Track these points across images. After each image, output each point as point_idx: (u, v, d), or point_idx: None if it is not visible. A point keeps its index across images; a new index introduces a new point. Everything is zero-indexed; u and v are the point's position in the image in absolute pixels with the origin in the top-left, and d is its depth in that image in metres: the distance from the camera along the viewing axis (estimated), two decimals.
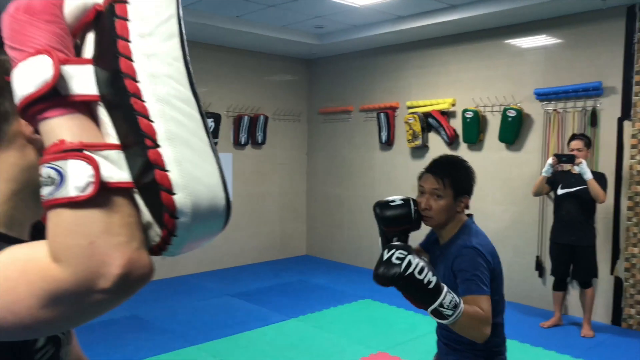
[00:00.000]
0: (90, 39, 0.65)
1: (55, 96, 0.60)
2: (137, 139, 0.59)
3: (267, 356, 4.15)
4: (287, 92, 7.63)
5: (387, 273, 1.55)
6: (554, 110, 5.26)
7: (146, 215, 0.60)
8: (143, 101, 0.59)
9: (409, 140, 6.37)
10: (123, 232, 0.57)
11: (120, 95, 0.60)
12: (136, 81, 0.60)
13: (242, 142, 7.00)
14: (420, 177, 2.01)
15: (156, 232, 0.60)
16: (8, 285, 0.56)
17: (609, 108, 4.93)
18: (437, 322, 1.94)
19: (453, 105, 6.05)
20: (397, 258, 1.55)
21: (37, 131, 0.64)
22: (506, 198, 5.61)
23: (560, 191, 4.67)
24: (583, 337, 4.61)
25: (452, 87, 6.10)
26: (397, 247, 1.59)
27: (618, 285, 4.92)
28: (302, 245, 7.95)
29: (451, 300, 1.57)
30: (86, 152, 0.58)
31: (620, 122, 4.88)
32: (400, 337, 4.51)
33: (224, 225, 0.64)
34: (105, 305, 0.58)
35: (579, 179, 4.53)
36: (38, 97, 0.59)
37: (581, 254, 4.62)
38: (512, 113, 5.42)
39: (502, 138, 5.54)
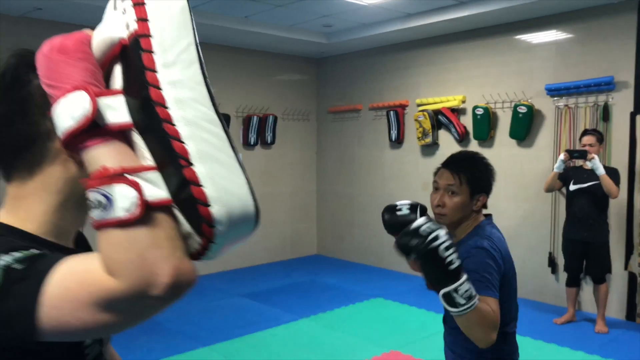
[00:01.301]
0: (117, 70, 0.71)
1: (94, 127, 0.67)
2: (171, 159, 0.66)
3: (279, 356, 4.15)
4: (296, 92, 7.63)
5: (409, 241, 1.46)
6: (566, 105, 5.22)
7: (185, 226, 0.67)
8: (174, 125, 0.66)
9: (419, 138, 6.34)
10: (168, 244, 0.65)
11: (152, 121, 0.67)
12: (166, 107, 0.66)
13: (252, 143, 7.01)
14: (435, 173, 1.91)
15: (196, 240, 0.68)
16: (71, 295, 0.64)
17: (621, 103, 4.88)
18: (445, 328, 1.89)
19: (463, 102, 6.02)
20: (425, 230, 1.44)
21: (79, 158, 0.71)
22: (518, 195, 5.57)
23: (572, 187, 4.63)
24: (597, 333, 4.57)
25: (462, 84, 6.07)
26: (428, 220, 1.49)
27: (632, 280, 4.87)
28: (312, 244, 7.95)
29: (467, 290, 1.46)
30: (128, 177, 0.65)
31: (632, 116, 4.83)
32: (412, 336, 4.49)
33: (255, 228, 0.72)
34: (156, 309, 0.66)
35: (591, 174, 4.49)
36: (80, 130, 0.66)
37: (594, 250, 4.58)
38: (523, 109, 5.38)
39: (513, 134, 5.51)
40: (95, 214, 0.65)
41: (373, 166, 7.12)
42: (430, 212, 2.08)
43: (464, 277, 1.46)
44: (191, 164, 0.65)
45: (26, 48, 0.87)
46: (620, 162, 4.82)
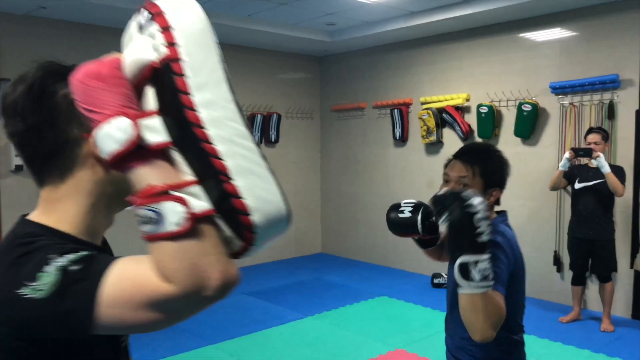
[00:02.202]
0: (148, 91, 0.75)
1: (137, 148, 0.72)
2: (211, 174, 0.72)
3: (284, 354, 4.16)
4: (299, 90, 7.63)
5: (449, 200, 1.42)
6: (570, 103, 5.20)
7: (227, 231, 0.75)
8: (211, 144, 0.72)
9: (423, 136, 6.34)
10: (214, 251, 0.72)
11: (190, 140, 0.72)
12: (202, 128, 0.72)
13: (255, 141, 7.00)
14: (446, 165, 1.81)
15: (236, 244, 0.76)
16: (127, 296, 0.72)
17: (627, 100, 4.87)
18: (448, 334, 1.81)
19: (467, 100, 6.01)
20: (467, 195, 1.41)
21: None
22: (523, 193, 5.56)
23: (577, 185, 4.62)
24: (603, 331, 4.56)
25: (466, 82, 6.06)
26: (476, 194, 1.44)
27: (638, 279, 4.85)
28: (317, 243, 7.95)
29: (486, 269, 1.39)
30: (174, 193, 0.71)
31: (638, 114, 4.81)
32: (418, 334, 4.49)
33: (288, 227, 0.80)
34: (204, 307, 0.74)
35: (596, 172, 4.48)
36: (125, 153, 0.72)
37: (600, 248, 4.57)
38: (527, 107, 5.37)
39: (517, 133, 5.49)
40: (146, 229, 0.71)
41: (377, 165, 7.11)
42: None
43: (488, 255, 1.40)
44: (231, 179, 0.72)
45: (50, 60, 0.92)
46: (625, 160, 4.81)
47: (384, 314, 5.11)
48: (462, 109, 6.07)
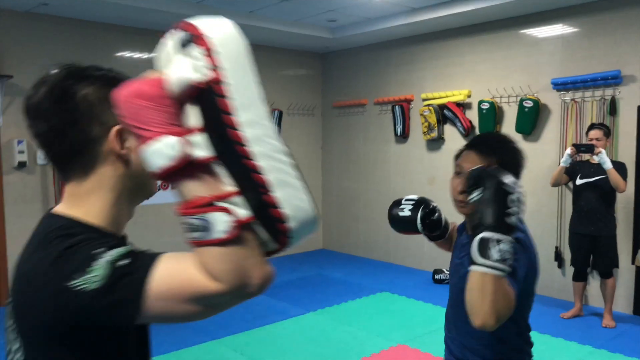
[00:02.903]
0: (190, 108, 0.80)
1: (184, 164, 0.78)
2: (252, 187, 0.80)
3: (288, 349, 4.18)
4: (301, 87, 7.63)
5: (488, 175, 1.36)
6: (572, 100, 5.21)
7: (264, 234, 0.83)
8: (253, 161, 0.79)
9: (424, 132, 6.34)
10: (254, 253, 0.80)
11: (233, 157, 0.79)
12: (244, 146, 0.79)
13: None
14: (458, 156, 1.69)
15: (272, 245, 0.85)
16: (174, 291, 0.79)
17: (628, 96, 4.87)
18: (452, 334, 1.74)
19: (469, 96, 6.01)
20: (508, 177, 1.36)
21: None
22: (524, 189, 5.56)
23: (579, 181, 4.63)
24: (604, 327, 4.58)
25: (467, 79, 6.06)
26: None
27: (639, 275, 4.86)
28: (318, 239, 7.96)
29: (506, 252, 1.30)
30: (220, 204, 0.78)
31: None
32: (420, 330, 4.51)
33: (316, 229, 0.89)
34: (244, 301, 0.82)
35: (598, 168, 4.49)
36: (175, 169, 0.78)
37: (602, 244, 4.58)
38: (528, 104, 5.37)
39: (519, 129, 5.50)
40: (194, 236, 0.78)
41: (378, 161, 7.12)
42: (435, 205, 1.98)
43: (511, 239, 1.32)
44: (270, 191, 0.80)
45: (69, 62, 0.96)
46: (627, 156, 4.82)
47: (385, 310, 5.13)
48: (463, 105, 6.07)
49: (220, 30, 0.81)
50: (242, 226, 0.78)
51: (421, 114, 6.32)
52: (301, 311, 5.02)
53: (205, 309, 0.81)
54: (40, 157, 5.44)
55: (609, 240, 4.59)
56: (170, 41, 0.83)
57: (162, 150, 0.77)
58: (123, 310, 0.79)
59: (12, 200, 5.33)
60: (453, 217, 1.90)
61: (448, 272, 1.93)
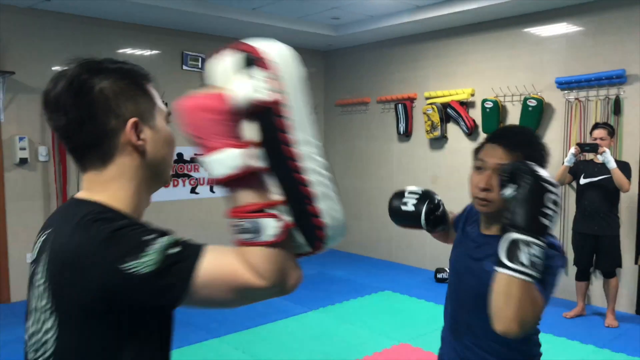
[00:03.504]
0: (248, 124, 0.89)
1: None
2: (298, 197, 0.90)
3: (290, 348, 4.16)
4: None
5: (527, 170, 1.28)
6: (576, 99, 5.19)
7: (300, 239, 0.94)
8: (302, 175, 0.90)
9: (427, 131, 6.33)
10: (292, 256, 0.92)
11: (285, 170, 0.89)
12: (296, 162, 0.89)
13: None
14: (480, 149, 1.57)
15: (306, 249, 0.96)
16: (219, 282, 0.87)
17: (633, 96, 4.85)
18: (459, 343, 1.61)
19: (472, 95, 5.99)
20: (548, 176, 1.29)
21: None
22: None
23: (582, 181, 4.61)
24: (607, 327, 4.57)
25: (471, 77, 6.04)
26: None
27: None
28: None
29: (537, 257, 1.22)
30: (269, 211, 0.87)
31: None
32: (422, 329, 4.50)
33: (345, 235, 0.99)
34: (275, 297, 0.92)
35: (602, 168, 4.47)
36: (235, 177, 0.86)
37: (605, 243, 4.56)
38: (532, 103, 5.35)
39: None
40: (244, 237, 0.87)
41: (381, 159, 7.10)
42: (442, 199, 1.89)
43: (544, 242, 1.23)
44: (314, 203, 0.90)
45: (86, 57, 1.00)
46: (631, 155, 4.80)
47: (388, 308, 5.12)
48: (466, 104, 6.06)
49: (282, 55, 0.90)
50: (286, 231, 0.88)
51: (424, 113, 6.31)
52: (303, 309, 5.01)
53: (242, 300, 0.90)
54: (42, 153, 5.43)
55: (612, 240, 4.58)
56: (230, 60, 0.90)
57: (224, 161, 0.86)
58: (170, 295, 0.86)
59: (13, 197, 5.31)
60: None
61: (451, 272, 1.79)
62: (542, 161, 1.50)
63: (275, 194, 0.91)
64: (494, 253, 1.29)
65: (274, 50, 0.90)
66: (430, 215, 1.83)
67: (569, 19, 5.26)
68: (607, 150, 4.39)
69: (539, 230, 1.23)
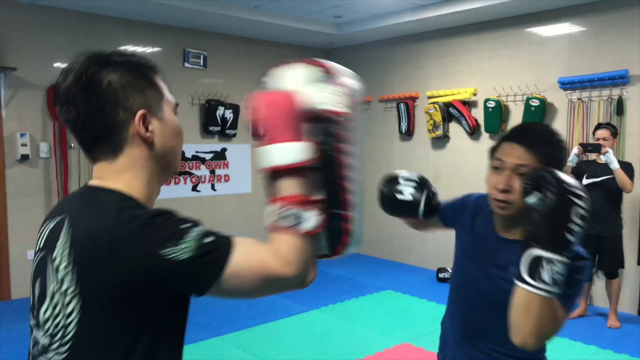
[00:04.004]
0: (311, 126, 0.97)
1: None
2: (338, 202, 0.99)
3: (291, 347, 4.15)
4: None
5: (552, 181, 1.21)
6: (579, 99, 5.18)
7: (323, 241, 1.01)
8: (346, 182, 0.99)
9: (429, 130, 6.31)
10: (315, 253, 0.99)
11: (333, 175, 0.98)
12: (344, 169, 0.98)
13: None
14: (497, 148, 1.49)
15: (324, 252, 1.03)
16: (249, 272, 0.92)
17: (636, 96, 4.85)
18: (481, 337, 1.55)
19: (474, 94, 5.98)
20: (576, 184, 1.22)
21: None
22: None
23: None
24: (609, 327, 4.56)
25: (473, 77, 6.03)
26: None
27: None
28: None
29: (560, 274, 1.19)
30: (312, 205, 0.95)
31: None
32: (424, 328, 4.49)
33: (360, 245, 1.07)
34: (291, 291, 0.98)
35: (604, 168, 4.46)
36: (290, 168, 0.94)
37: (607, 244, 4.55)
38: (535, 102, 5.34)
39: None
40: (286, 223, 0.93)
41: (383, 158, 7.09)
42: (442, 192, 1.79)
43: (567, 260, 1.20)
44: (349, 210, 0.99)
45: (94, 51, 1.02)
46: (634, 156, 4.79)
47: (389, 308, 5.11)
48: (469, 104, 6.05)
49: (351, 79, 1.02)
50: (323, 227, 0.96)
51: (426, 112, 6.29)
52: (305, 308, 5.00)
53: (266, 289, 0.95)
54: (43, 150, 5.41)
55: (614, 241, 4.57)
56: (303, 71, 1.00)
57: (286, 152, 0.94)
58: (202, 282, 0.91)
59: (14, 194, 5.30)
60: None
61: (458, 273, 1.69)
62: (563, 160, 1.44)
63: (317, 192, 0.99)
64: (516, 261, 1.26)
65: (345, 73, 1.02)
66: (429, 204, 1.71)
67: (572, 19, 5.25)
68: (610, 150, 4.38)
69: (563, 246, 1.19)
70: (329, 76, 0.99)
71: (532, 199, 1.25)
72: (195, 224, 0.92)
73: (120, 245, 0.88)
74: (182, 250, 0.88)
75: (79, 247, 0.92)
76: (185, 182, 6.45)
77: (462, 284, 1.62)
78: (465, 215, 1.67)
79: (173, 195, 6.24)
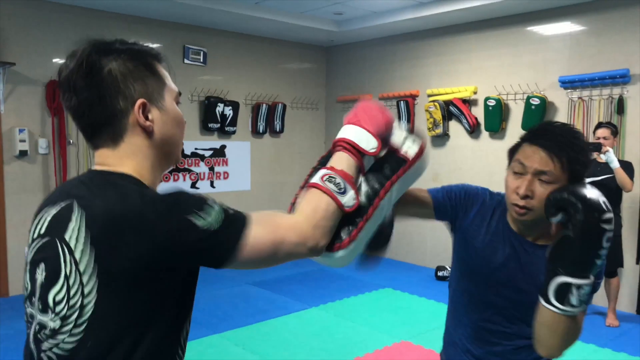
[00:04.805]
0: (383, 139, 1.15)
1: (360, 152, 1.11)
2: (363, 210, 1.08)
3: (290, 344, 4.15)
4: (305, 80, 7.58)
5: (581, 206, 1.16)
6: (579, 98, 5.18)
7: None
8: (378, 202, 1.10)
9: (429, 128, 6.31)
10: (334, 230, 1.05)
11: (374, 190, 1.11)
12: (385, 192, 1.12)
13: (260, 131, 6.98)
14: (516, 149, 1.42)
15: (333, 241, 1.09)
16: (265, 241, 0.97)
17: (637, 96, 4.84)
18: (492, 335, 1.51)
19: (475, 93, 5.97)
20: (606, 204, 1.18)
21: None
22: None
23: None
24: (608, 326, 4.57)
25: (474, 75, 6.02)
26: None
27: None
28: None
29: (587, 295, 1.20)
30: (352, 184, 1.07)
31: None
32: (423, 326, 4.49)
33: (349, 262, 1.14)
34: (305, 257, 1.05)
35: (604, 167, 4.46)
36: (361, 149, 1.10)
37: None
38: (535, 101, 5.34)
39: (525, 127, 5.46)
40: (331, 187, 1.03)
41: None
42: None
43: (592, 277, 1.20)
44: (365, 221, 1.08)
45: (96, 38, 1.03)
46: (634, 155, 4.79)
47: (388, 306, 5.10)
48: (469, 102, 6.04)
49: (426, 146, 1.21)
50: (354, 207, 1.06)
51: (426, 110, 6.29)
52: (303, 306, 4.99)
53: (281, 258, 0.99)
54: (42, 146, 5.39)
55: (614, 240, 4.56)
56: (404, 129, 1.21)
57: (369, 140, 1.10)
58: (225, 250, 0.94)
59: (12, 190, 5.28)
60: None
61: (464, 271, 1.58)
62: (587, 163, 1.38)
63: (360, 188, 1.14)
64: (544, 268, 1.28)
65: (424, 135, 1.23)
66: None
67: (573, 17, 5.24)
68: (611, 149, 4.38)
69: (591, 271, 1.19)
70: (416, 134, 1.20)
71: (557, 218, 1.22)
72: (213, 199, 0.97)
73: (148, 224, 0.89)
74: (208, 218, 0.92)
75: (96, 229, 0.91)
76: (184, 179, 6.44)
77: (477, 289, 1.54)
78: (482, 212, 1.55)
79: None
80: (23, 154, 5.28)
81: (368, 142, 1.09)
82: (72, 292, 0.93)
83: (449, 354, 1.67)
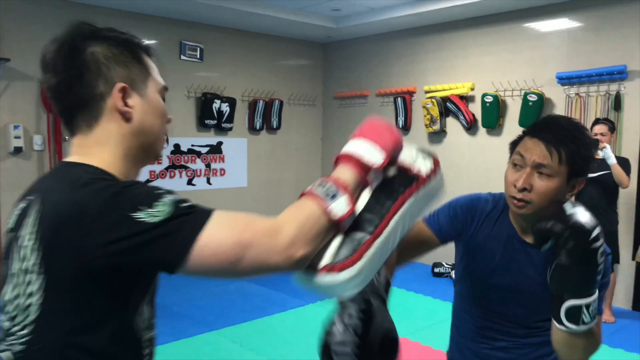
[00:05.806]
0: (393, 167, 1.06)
1: (365, 166, 0.97)
2: (379, 219, 0.98)
3: (288, 341, 4.14)
4: (302, 77, 7.56)
5: (569, 233, 1.16)
6: (577, 94, 5.17)
7: (332, 249, 0.93)
8: (388, 223, 0.99)
9: (426, 125, 6.30)
10: (318, 241, 0.89)
11: (383, 208, 1.00)
12: (396, 213, 1.00)
13: (257, 127, 6.97)
14: (518, 142, 1.41)
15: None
16: (226, 240, 0.85)
17: (634, 92, 4.85)
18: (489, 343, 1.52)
19: (472, 89, 5.97)
20: (592, 224, 1.17)
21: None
22: None
23: None
24: (604, 322, 4.55)
25: (471, 71, 6.01)
26: (590, 215, 1.19)
27: (639, 270, 4.86)
28: None
29: (595, 307, 1.21)
30: (349, 195, 0.92)
31: None
32: (420, 323, 4.48)
33: (348, 290, 1.03)
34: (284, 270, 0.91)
35: (601, 164, 4.46)
36: (365, 162, 0.97)
37: (603, 239, 4.55)
38: (533, 97, 5.34)
39: (522, 123, 5.46)
40: (319, 191, 0.90)
41: None
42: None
43: (597, 291, 1.21)
44: (372, 243, 0.96)
45: (82, 20, 1.00)
46: (631, 151, 4.80)
47: None
48: (466, 98, 6.03)
49: (442, 172, 1.12)
50: (346, 220, 0.92)
51: (423, 107, 6.28)
52: (301, 302, 4.98)
53: (247, 265, 0.84)
54: (37, 142, 5.36)
55: (610, 236, 4.55)
56: (414, 147, 1.11)
57: (373, 152, 0.98)
58: (176, 250, 0.83)
59: (7, 187, 5.25)
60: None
61: (448, 266, 1.63)
62: (590, 158, 1.37)
63: (359, 201, 1.02)
64: (544, 268, 1.31)
65: (438, 160, 1.12)
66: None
67: (570, 13, 5.23)
68: (608, 146, 4.38)
69: (595, 287, 1.21)
70: (434, 158, 1.11)
71: (547, 246, 1.22)
72: (170, 192, 0.88)
73: (92, 215, 0.83)
74: (155, 213, 0.83)
75: (46, 223, 0.88)
76: (180, 176, 6.42)
77: (477, 289, 1.55)
78: (481, 220, 1.55)
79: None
80: (18, 150, 5.25)
81: (372, 155, 0.98)
82: (18, 291, 0.89)
83: (453, 352, 1.66)
